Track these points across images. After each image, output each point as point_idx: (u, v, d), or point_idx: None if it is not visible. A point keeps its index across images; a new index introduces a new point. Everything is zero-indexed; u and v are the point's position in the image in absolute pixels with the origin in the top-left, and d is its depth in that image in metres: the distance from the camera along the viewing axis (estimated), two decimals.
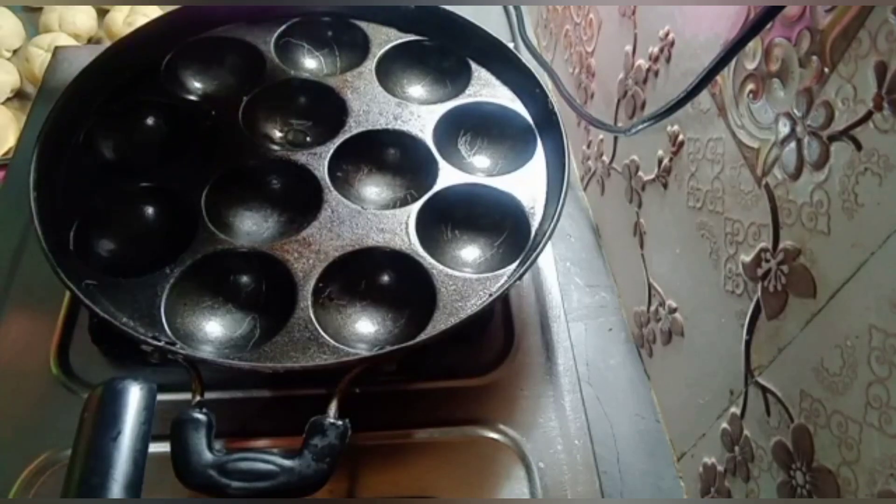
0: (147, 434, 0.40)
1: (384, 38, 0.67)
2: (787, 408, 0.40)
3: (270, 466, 0.40)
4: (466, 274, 0.52)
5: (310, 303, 0.49)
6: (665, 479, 0.54)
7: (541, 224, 0.54)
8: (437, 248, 0.54)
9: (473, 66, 0.65)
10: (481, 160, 0.61)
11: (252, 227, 0.56)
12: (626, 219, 0.61)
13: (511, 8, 0.86)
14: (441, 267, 0.51)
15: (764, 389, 0.42)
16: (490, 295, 0.49)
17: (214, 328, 0.50)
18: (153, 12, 0.88)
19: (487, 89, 0.63)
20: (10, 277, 0.59)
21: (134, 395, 0.40)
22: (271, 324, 0.49)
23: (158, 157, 0.58)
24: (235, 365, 0.45)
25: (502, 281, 0.50)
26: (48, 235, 0.49)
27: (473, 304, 0.49)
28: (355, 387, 0.46)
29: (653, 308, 0.57)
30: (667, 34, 0.52)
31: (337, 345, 0.48)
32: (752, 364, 0.43)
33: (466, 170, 0.58)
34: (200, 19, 0.65)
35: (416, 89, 0.66)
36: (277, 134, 0.62)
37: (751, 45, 0.41)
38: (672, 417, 0.56)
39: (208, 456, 0.40)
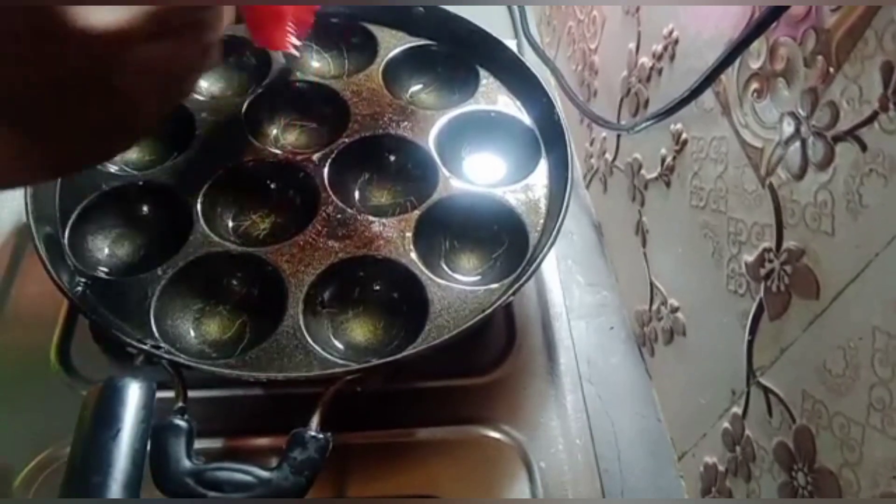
0: (146, 433, 0.40)
1: (393, 42, 0.66)
2: (789, 408, 0.40)
3: (248, 478, 0.40)
4: (461, 286, 0.51)
5: (300, 310, 0.49)
6: (666, 478, 0.54)
7: (539, 240, 0.53)
8: (433, 259, 0.54)
9: (482, 72, 0.64)
10: (484, 170, 0.60)
11: (247, 229, 0.55)
12: (629, 217, 0.61)
13: (514, 5, 0.86)
14: (436, 279, 0.51)
15: (766, 390, 0.42)
16: (483, 311, 0.48)
17: (203, 331, 0.50)
18: None
19: (494, 97, 0.63)
20: (12, 273, 0.59)
21: (133, 394, 0.40)
22: (261, 329, 0.49)
23: (157, 155, 0.57)
24: (218, 373, 0.45)
25: (495, 297, 0.50)
26: (42, 232, 0.49)
27: (466, 318, 0.49)
28: (351, 391, 0.46)
29: (654, 307, 0.57)
30: (670, 32, 0.51)
31: (325, 355, 0.47)
32: (754, 364, 0.43)
33: (468, 179, 0.58)
34: None
35: (423, 94, 0.66)
36: (279, 135, 0.62)
37: (755, 44, 0.40)
38: (673, 416, 0.56)
39: (186, 464, 0.40)
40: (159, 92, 0.30)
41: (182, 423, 0.42)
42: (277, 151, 0.58)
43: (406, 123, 0.60)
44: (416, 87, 0.66)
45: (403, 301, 0.52)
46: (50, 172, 0.33)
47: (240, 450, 0.50)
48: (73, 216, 0.52)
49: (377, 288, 0.53)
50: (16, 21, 0.25)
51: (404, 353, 0.47)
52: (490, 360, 0.56)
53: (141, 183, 0.55)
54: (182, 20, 0.29)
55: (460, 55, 0.66)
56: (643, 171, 0.58)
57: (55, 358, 0.54)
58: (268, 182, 0.57)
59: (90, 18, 0.25)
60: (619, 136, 0.63)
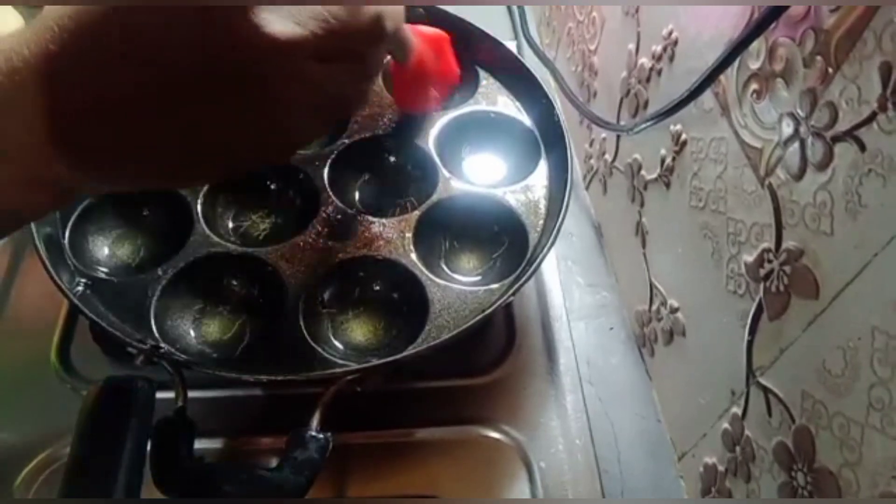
0: (146, 432, 0.40)
1: None
2: (788, 408, 0.40)
3: (248, 478, 0.40)
4: (461, 287, 0.51)
5: (300, 310, 0.49)
6: (666, 478, 0.54)
7: (539, 239, 0.54)
8: (433, 259, 0.54)
9: (482, 73, 0.64)
10: (484, 170, 0.60)
11: (247, 230, 0.56)
12: (629, 218, 0.61)
13: (514, 6, 0.86)
14: (435, 279, 0.51)
15: (765, 390, 0.42)
16: (483, 311, 0.48)
17: (204, 332, 0.50)
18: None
19: (494, 98, 0.63)
20: (12, 273, 0.59)
21: (133, 394, 0.40)
22: (261, 329, 0.49)
23: None
24: (218, 373, 0.45)
25: (495, 297, 0.50)
26: (42, 232, 0.49)
27: (466, 318, 0.49)
28: (351, 391, 0.46)
29: (654, 307, 0.57)
30: (670, 33, 0.52)
31: (325, 355, 0.47)
32: (753, 364, 0.43)
33: (468, 179, 0.58)
34: None
35: None
36: None
37: (755, 44, 0.41)
38: (673, 417, 0.56)
39: (186, 464, 0.40)
40: (313, 114, 0.31)
41: (182, 423, 0.42)
42: None
43: (405, 124, 0.60)
44: None
45: (403, 301, 0.52)
46: (197, 177, 0.33)
47: (240, 450, 0.50)
48: (74, 216, 0.52)
49: (377, 288, 0.53)
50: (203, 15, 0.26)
51: (404, 353, 0.47)
52: (490, 360, 0.56)
53: None
54: (347, 47, 0.31)
55: (460, 56, 0.65)
56: (643, 172, 0.58)
57: (55, 358, 0.54)
58: (268, 182, 0.58)
59: (270, 25, 0.27)
60: (618, 136, 0.63)
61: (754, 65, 0.41)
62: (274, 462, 0.42)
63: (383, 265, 0.52)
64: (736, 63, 0.43)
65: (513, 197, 0.56)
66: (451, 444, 0.51)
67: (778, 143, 0.39)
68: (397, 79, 0.56)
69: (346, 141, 0.59)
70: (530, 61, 0.66)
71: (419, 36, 0.49)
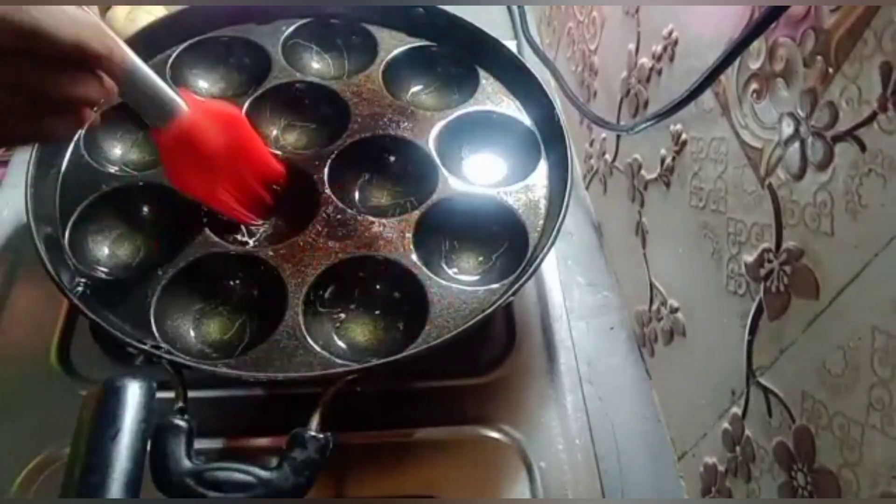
0: (146, 432, 0.40)
1: (393, 43, 0.66)
2: (788, 408, 0.40)
3: (248, 478, 0.40)
4: (461, 287, 0.51)
5: (300, 310, 0.49)
6: (666, 478, 0.54)
7: (539, 240, 0.54)
8: (433, 259, 0.54)
9: (481, 73, 0.64)
10: (484, 170, 0.61)
11: (247, 230, 0.55)
12: (629, 218, 0.61)
13: (514, 6, 0.86)
14: (436, 279, 0.51)
15: (766, 390, 0.42)
16: (483, 311, 0.48)
17: (204, 331, 0.50)
18: (156, 9, 0.88)
19: (494, 98, 0.63)
20: (13, 273, 0.59)
21: (133, 394, 0.40)
22: (261, 329, 0.49)
23: (157, 156, 0.57)
24: (218, 373, 0.45)
25: (495, 297, 0.50)
26: (43, 232, 0.49)
27: (466, 318, 0.49)
28: (350, 391, 0.46)
29: (654, 307, 0.57)
30: (670, 33, 0.52)
31: (325, 354, 0.47)
32: (753, 364, 0.43)
33: (468, 179, 0.58)
34: (208, 19, 0.65)
35: (423, 95, 0.66)
36: (279, 136, 0.62)
37: (755, 44, 0.41)
38: (673, 417, 0.56)
39: (186, 464, 0.40)
40: None
41: (182, 423, 0.42)
42: (278, 152, 0.58)
43: (406, 124, 0.60)
44: (416, 88, 0.66)
45: (404, 301, 0.52)
46: None
47: (240, 450, 0.50)
48: (74, 216, 0.52)
49: (377, 288, 0.53)
50: None
51: (404, 354, 0.47)
52: (490, 360, 0.56)
53: (141, 183, 0.55)
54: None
55: (460, 56, 0.66)
56: (643, 172, 0.58)
57: (55, 358, 0.54)
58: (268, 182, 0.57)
59: None
60: (618, 136, 0.63)
61: (754, 65, 0.41)
62: (274, 462, 0.42)
63: (383, 265, 0.52)
64: (736, 63, 0.43)
65: (513, 197, 0.56)
66: (451, 444, 0.51)
67: (778, 142, 0.39)
68: (164, 151, 0.47)
69: (346, 141, 0.59)
70: (530, 61, 0.66)
71: (196, 107, 0.45)
